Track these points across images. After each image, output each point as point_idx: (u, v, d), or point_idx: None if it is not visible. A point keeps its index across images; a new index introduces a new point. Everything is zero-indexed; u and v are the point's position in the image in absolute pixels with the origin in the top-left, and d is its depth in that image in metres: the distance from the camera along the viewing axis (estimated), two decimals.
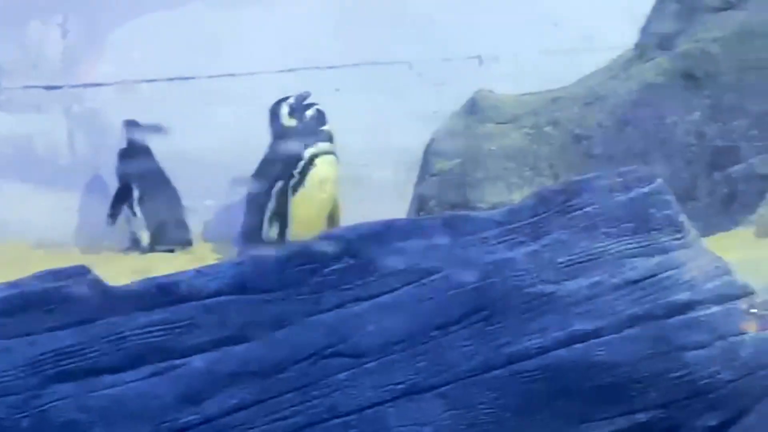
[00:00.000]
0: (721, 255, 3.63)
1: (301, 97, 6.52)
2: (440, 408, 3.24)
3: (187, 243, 6.73)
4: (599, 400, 3.33)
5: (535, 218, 3.40)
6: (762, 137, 6.31)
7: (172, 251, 6.61)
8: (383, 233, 3.31)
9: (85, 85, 6.99)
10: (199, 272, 3.17)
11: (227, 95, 7.05)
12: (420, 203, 6.68)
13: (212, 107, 7.03)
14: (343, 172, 6.72)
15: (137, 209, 6.70)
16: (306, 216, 6.08)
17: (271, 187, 6.27)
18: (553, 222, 3.40)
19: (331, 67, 7.08)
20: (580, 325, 3.32)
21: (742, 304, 3.47)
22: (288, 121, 6.45)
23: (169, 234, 6.66)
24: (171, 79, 7.07)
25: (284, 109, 6.46)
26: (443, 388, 3.26)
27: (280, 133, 6.44)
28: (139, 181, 6.75)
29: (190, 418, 3.09)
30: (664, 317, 3.37)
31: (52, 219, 6.87)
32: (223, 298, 3.15)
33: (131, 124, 6.84)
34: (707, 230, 5.89)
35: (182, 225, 6.74)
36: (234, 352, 3.15)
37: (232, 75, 7.02)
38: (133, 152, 6.82)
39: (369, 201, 6.52)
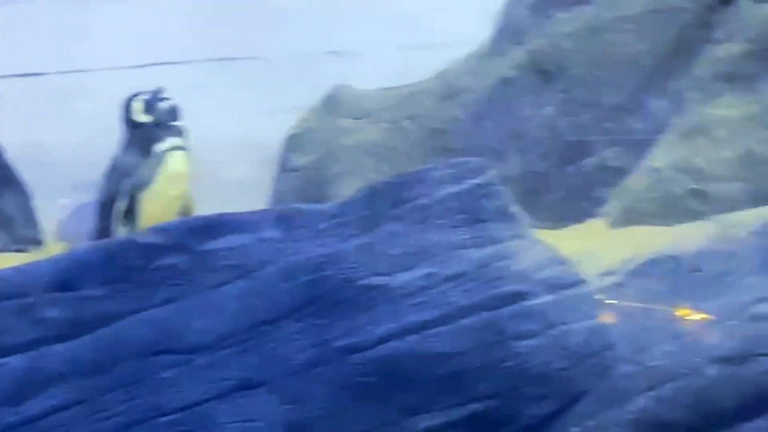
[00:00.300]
0: (570, 246, 3.68)
1: (155, 93, 6.39)
2: (272, 403, 3.22)
3: (38, 242, 6.55)
4: (433, 391, 3.33)
5: (368, 211, 3.40)
6: (613, 130, 6.40)
7: (22, 251, 6.44)
8: (213, 227, 3.27)
9: None
10: (18, 270, 3.10)
11: (81, 91, 6.90)
12: (278, 199, 6.63)
13: (65, 104, 6.87)
14: (200, 169, 6.61)
15: None
16: (156, 213, 5.95)
17: (122, 184, 6.14)
18: (385, 214, 3.39)
19: (187, 63, 6.97)
20: (413, 317, 3.32)
21: (600, 294, 3.52)
22: (141, 117, 6.30)
23: (19, 233, 6.48)
24: (22, 75, 6.89)
25: (137, 105, 6.32)
26: (275, 383, 3.23)
27: (132, 129, 6.30)
28: None
29: (9, 419, 3.01)
30: (497, 307, 3.39)
31: None
32: (43, 295, 3.08)
33: None
34: (561, 222, 5.97)
35: (33, 224, 6.56)
36: (55, 351, 3.08)
37: (86, 71, 6.87)
38: None
39: (226, 198, 6.41)
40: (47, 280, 3.02)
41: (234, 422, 3.12)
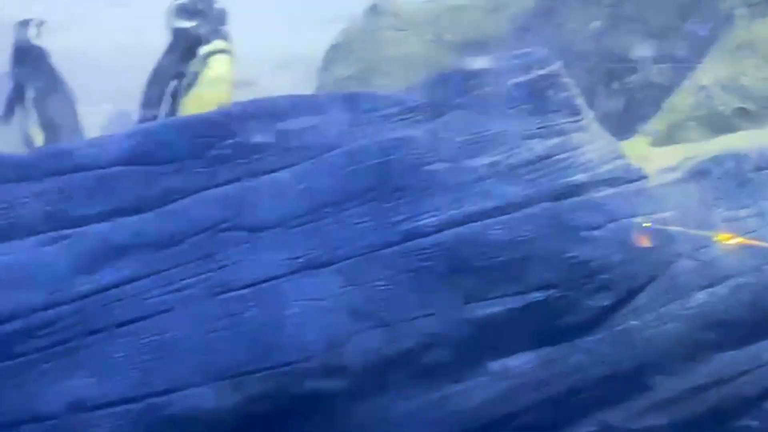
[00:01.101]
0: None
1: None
2: (336, 283, 3.24)
3: None
4: (494, 279, 3.35)
5: (435, 97, 3.40)
6: (659, 47, 6.36)
7: None
8: (282, 108, 3.28)
9: None
10: (92, 142, 3.12)
11: None
12: None
13: (109, 9, 6.85)
14: (240, 77, 6.58)
15: (31, 109, 6.52)
16: None
17: (166, 87, 6.13)
18: (452, 101, 3.40)
19: None
20: (477, 204, 3.34)
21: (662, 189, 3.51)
22: (187, 21, 6.29)
23: (62, 135, 6.51)
24: None
25: (183, 9, 6.31)
26: (340, 264, 3.25)
27: (178, 33, 6.29)
28: (33, 82, 6.55)
29: (84, 287, 3.05)
30: (559, 198, 3.40)
31: None
32: (117, 168, 3.11)
33: (25, 24, 6.62)
34: None
35: (76, 126, 6.59)
36: (128, 223, 3.10)
37: None
38: (27, 52, 6.61)
39: None
40: (121, 153, 3.04)
41: (300, 300, 3.15)
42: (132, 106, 6.60)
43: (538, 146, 3.39)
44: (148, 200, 3.11)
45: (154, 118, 6.12)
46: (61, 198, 3.05)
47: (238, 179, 3.19)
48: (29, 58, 6.63)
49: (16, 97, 6.55)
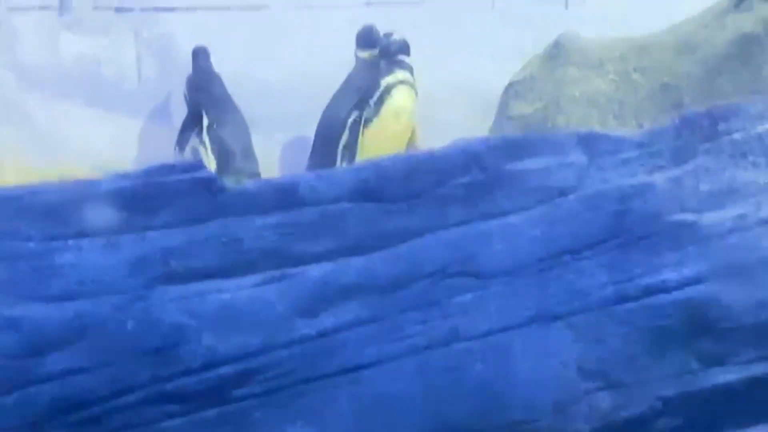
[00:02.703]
0: None
1: (386, 33, 6.24)
2: (568, 339, 2.99)
3: (254, 174, 6.45)
4: (738, 342, 3.07)
5: (679, 142, 3.14)
6: None
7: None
8: (515, 146, 3.05)
9: (156, 9, 6.71)
10: (319, 176, 2.92)
11: (300, 26, 6.77)
12: None
13: (285, 38, 6.74)
14: (416, 111, 6.42)
15: (205, 138, 6.43)
16: (378, 148, 5.74)
17: (346, 118, 5.98)
18: (697, 147, 3.14)
19: (409, 2, 6.78)
20: (723, 260, 3.05)
21: None
22: (369, 51, 6.16)
23: (236, 164, 6.39)
24: (243, 9, 6.80)
25: (367, 38, 6.18)
26: (572, 318, 3.01)
27: (360, 62, 6.16)
28: (208, 109, 6.46)
29: (304, 331, 2.84)
30: None
31: (114, 144, 6.63)
32: (343, 204, 2.90)
33: (201, 51, 6.55)
34: None
35: (250, 155, 6.47)
36: (352, 263, 2.89)
37: (309, 7, 6.73)
38: (203, 80, 6.54)
39: (439, 142, 6.21)
40: (349, 189, 2.83)
41: (529, 355, 2.90)
42: (306, 134, 6.48)
43: None
44: (374, 240, 2.90)
45: (332, 148, 5.97)
46: (284, 234, 2.86)
47: (468, 221, 2.96)
48: (206, 85, 6.57)
49: (191, 124, 6.48)
